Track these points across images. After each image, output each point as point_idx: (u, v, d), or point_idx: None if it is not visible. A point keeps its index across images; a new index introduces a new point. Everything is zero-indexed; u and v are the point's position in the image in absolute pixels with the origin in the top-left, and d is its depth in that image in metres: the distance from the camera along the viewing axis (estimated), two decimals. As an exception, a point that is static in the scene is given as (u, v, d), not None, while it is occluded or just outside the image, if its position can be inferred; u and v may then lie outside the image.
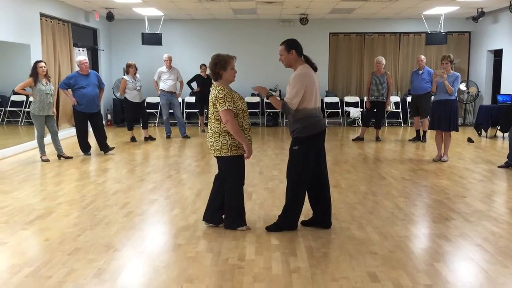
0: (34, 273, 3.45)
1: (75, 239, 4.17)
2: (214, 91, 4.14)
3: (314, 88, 4.20)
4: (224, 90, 4.10)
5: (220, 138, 4.15)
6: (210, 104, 4.17)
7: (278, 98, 4.35)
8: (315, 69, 4.30)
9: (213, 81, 4.27)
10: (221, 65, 4.14)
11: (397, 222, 4.65)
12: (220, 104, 4.06)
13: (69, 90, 8.21)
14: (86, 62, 8.22)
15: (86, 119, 8.36)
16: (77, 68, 8.37)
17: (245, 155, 4.19)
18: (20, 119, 10.02)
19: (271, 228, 4.37)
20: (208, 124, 4.30)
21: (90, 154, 8.44)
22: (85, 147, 8.44)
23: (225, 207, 4.39)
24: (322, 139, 4.34)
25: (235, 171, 4.29)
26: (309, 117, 4.19)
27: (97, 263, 3.63)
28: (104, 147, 8.54)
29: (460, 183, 6.30)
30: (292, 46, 4.25)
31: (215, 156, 4.29)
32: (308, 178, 4.30)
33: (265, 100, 13.05)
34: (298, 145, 4.23)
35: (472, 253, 3.85)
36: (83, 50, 11.83)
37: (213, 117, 4.19)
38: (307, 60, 4.31)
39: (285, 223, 4.37)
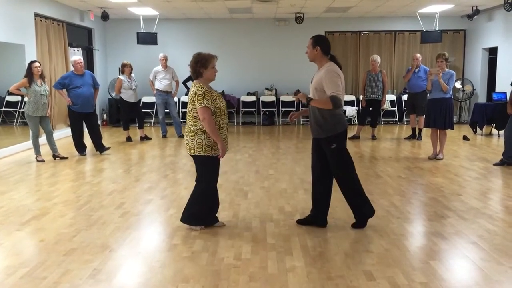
0: (29, 274, 3.44)
1: (70, 239, 4.16)
2: (193, 88, 4.15)
3: (344, 86, 4.25)
4: (203, 88, 4.10)
5: (196, 137, 4.15)
6: (189, 101, 4.17)
7: (310, 97, 4.33)
8: (340, 67, 4.32)
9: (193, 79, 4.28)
10: (202, 64, 4.15)
11: (392, 220, 4.66)
12: (198, 102, 4.06)
13: (64, 90, 8.19)
14: (81, 62, 8.20)
15: (81, 119, 8.34)
16: (72, 68, 8.34)
17: (219, 154, 4.18)
18: (15, 120, 9.99)
19: (357, 226, 4.41)
20: (186, 122, 4.30)
21: (85, 154, 8.42)
22: (80, 147, 8.42)
23: (188, 201, 4.41)
24: None
25: (207, 171, 4.29)
26: (339, 113, 4.27)
27: (92, 264, 3.62)
28: (100, 147, 8.52)
29: (456, 181, 6.32)
30: (318, 42, 4.26)
31: (190, 155, 4.29)
32: (354, 169, 4.36)
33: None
34: (336, 142, 4.23)
35: (468, 250, 3.86)
36: (78, 50, 11.79)
37: (190, 114, 4.19)
38: (333, 59, 4.32)
39: (365, 215, 4.41)
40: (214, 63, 4.21)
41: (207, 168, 4.28)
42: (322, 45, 4.26)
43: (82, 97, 8.14)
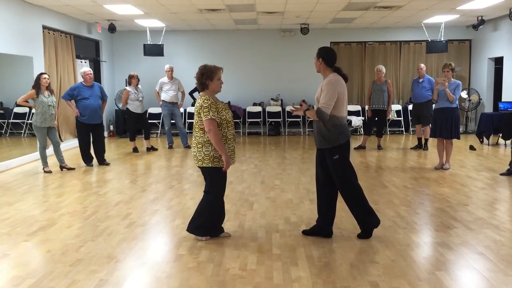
0: (36, 285, 3.45)
1: (77, 250, 4.18)
2: (199, 100, 4.18)
3: (345, 97, 4.29)
4: (209, 100, 4.14)
5: (203, 148, 4.18)
6: (195, 113, 4.21)
7: (309, 107, 4.40)
8: (345, 79, 4.35)
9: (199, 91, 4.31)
10: (207, 76, 4.19)
11: (398, 230, 4.65)
12: (204, 114, 4.09)
13: (72, 101, 8.27)
14: (90, 73, 8.30)
15: (89, 130, 8.40)
16: (80, 80, 8.42)
17: (223, 167, 4.20)
18: (23, 131, 10.07)
19: (363, 237, 4.42)
20: (193, 133, 4.33)
21: (92, 165, 8.46)
22: (87, 158, 8.47)
23: (195, 211, 4.43)
24: None
25: (215, 183, 4.31)
26: (342, 125, 4.29)
27: (99, 274, 3.63)
28: (101, 160, 8.55)
29: (462, 191, 6.29)
30: (320, 54, 4.33)
31: (198, 167, 4.30)
32: (357, 179, 4.37)
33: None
34: (338, 153, 4.26)
35: (474, 261, 3.84)
36: (85, 62, 11.91)
37: (197, 126, 4.22)
38: (338, 70, 4.36)
39: (370, 225, 4.42)
40: (220, 75, 4.24)
41: (215, 179, 4.30)
42: (325, 57, 4.31)
43: (90, 108, 8.21)
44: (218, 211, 4.43)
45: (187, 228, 4.45)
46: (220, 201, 4.40)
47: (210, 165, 4.19)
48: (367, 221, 4.41)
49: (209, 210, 4.36)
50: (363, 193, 4.40)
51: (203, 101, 4.13)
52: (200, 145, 4.20)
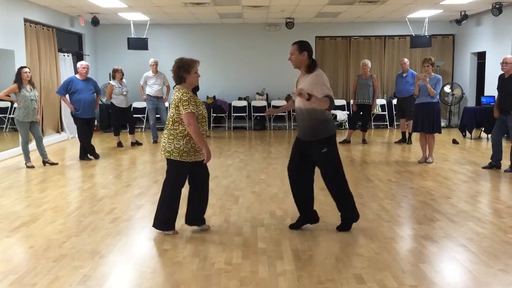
0: (19, 281, 3.41)
1: (60, 245, 4.14)
2: (177, 93, 4.16)
3: None
4: (188, 93, 4.13)
5: (174, 141, 4.16)
6: (172, 106, 4.18)
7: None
8: None
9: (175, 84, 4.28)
10: (184, 69, 4.16)
11: (383, 224, 4.68)
12: (184, 107, 4.07)
13: (67, 96, 8.23)
14: (85, 67, 8.26)
15: (86, 124, 8.33)
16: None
17: (203, 160, 4.21)
18: (4, 126, 9.92)
19: (343, 229, 4.44)
20: (166, 125, 4.30)
21: (90, 159, 8.40)
22: (85, 154, 8.41)
23: (157, 207, 4.41)
24: None
25: (176, 176, 4.30)
26: (329, 118, 4.35)
27: (82, 270, 3.60)
28: (82, 155, 8.50)
29: (445, 184, 6.36)
30: (304, 48, 4.28)
31: (164, 158, 4.28)
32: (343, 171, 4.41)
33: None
34: (327, 146, 4.27)
35: (457, 253, 3.89)
36: (68, 56, 11.75)
37: (172, 119, 4.19)
38: (315, 63, 4.33)
39: (351, 218, 4.45)
40: (196, 68, 4.23)
41: (176, 173, 4.29)
42: (308, 51, 4.29)
43: (83, 102, 8.19)
44: (177, 204, 4.39)
45: (153, 224, 4.42)
46: (179, 193, 4.37)
47: (178, 159, 4.18)
48: (350, 216, 4.44)
49: (170, 203, 4.34)
50: (349, 190, 4.43)
51: (182, 94, 4.12)
52: (172, 137, 4.18)
